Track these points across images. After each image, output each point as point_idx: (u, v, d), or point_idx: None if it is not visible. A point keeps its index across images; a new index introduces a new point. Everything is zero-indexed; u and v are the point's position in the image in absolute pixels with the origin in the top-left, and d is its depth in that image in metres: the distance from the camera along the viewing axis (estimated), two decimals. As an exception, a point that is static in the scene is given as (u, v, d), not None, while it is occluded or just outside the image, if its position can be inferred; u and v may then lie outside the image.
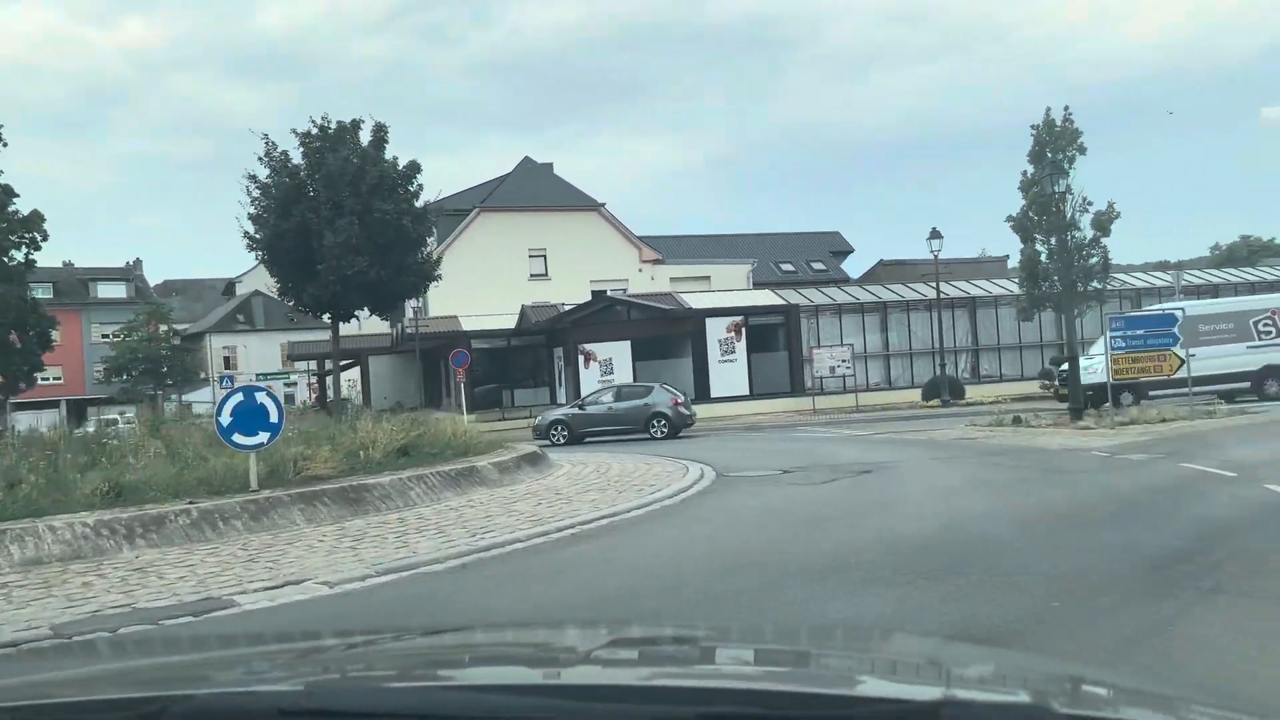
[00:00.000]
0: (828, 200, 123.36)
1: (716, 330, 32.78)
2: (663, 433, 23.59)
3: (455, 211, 45.81)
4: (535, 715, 1.43)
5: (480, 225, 45.23)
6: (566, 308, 34.54)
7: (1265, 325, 23.50)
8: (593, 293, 35.24)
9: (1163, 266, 48.32)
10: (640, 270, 47.76)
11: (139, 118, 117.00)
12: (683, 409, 24.36)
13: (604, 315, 34.11)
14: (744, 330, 32.85)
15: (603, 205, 48.14)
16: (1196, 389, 20.57)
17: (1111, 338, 18.48)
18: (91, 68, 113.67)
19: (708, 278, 45.63)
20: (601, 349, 33.81)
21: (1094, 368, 23.70)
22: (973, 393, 31.71)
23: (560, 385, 36.40)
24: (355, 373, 47.56)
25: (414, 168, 27.94)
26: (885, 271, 49.60)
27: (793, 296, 34.29)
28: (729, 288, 39.24)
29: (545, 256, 45.83)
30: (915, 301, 34.76)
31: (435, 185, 48.31)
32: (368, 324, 57.31)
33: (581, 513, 10.05)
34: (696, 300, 33.95)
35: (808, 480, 12.99)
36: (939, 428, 22.54)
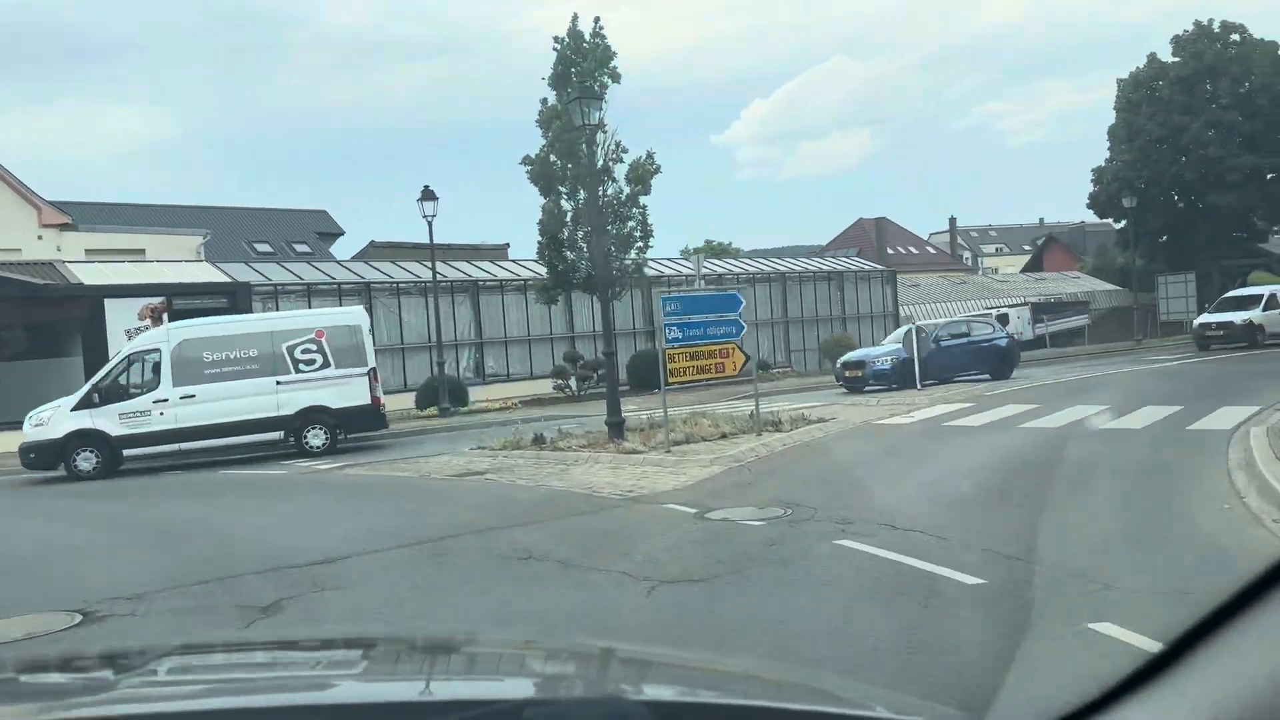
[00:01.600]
0: (324, 186, 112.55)
1: (124, 317, 22.90)
2: None
3: None
4: None
5: None
6: None
7: (306, 351, 17.17)
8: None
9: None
10: (41, 238, 34.87)
11: None
12: None
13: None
14: (166, 316, 23.40)
15: (-24, 143, 34.42)
16: (189, 444, 16.21)
17: (667, 325, 13.23)
18: None
19: (142, 250, 34.50)
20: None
21: (44, 420, 16.30)
22: (478, 395, 25.81)
23: None
24: None
25: None
26: (377, 253, 42.39)
27: (244, 273, 25.55)
28: (172, 260, 29.05)
29: (-123, 212, 31.34)
30: (407, 284, 28.00)
31: None
32: None
33: None
34: (93, 274, 23.68)
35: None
36: (436, 452, 16.00)
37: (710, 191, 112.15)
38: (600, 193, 15.38)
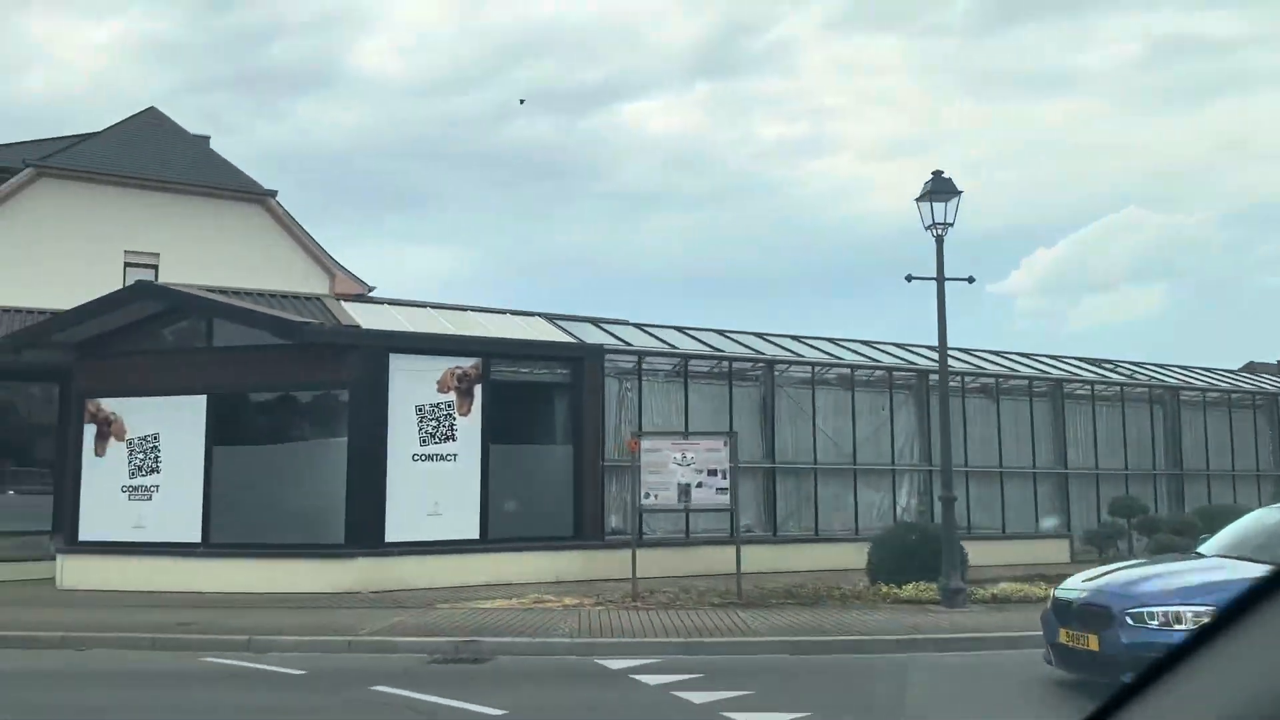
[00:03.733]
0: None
1: (416, 384, 14.05)
2: None
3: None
4: None
5: (34, 198, 24.84)
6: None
7: None
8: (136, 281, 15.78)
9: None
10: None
11: None
12: None
13: (147, 331, 14.69)
14: (478, 390, 14.38)
15: (273, 195, 28.82)
16: None
17: None
18: None
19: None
20: (136, 409, 14.29)
21: None
22: (974, 555, 14.54)
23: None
24: None
25: None
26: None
27: (593, 334, 16.35)
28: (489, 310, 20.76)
29: (156, 270, 25.61)
30: (908, 367, 17.70)
31: None
32: None
33: None
34: (376, 317, 15.24)
35: None
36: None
37: (989, 342, 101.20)
38: None
